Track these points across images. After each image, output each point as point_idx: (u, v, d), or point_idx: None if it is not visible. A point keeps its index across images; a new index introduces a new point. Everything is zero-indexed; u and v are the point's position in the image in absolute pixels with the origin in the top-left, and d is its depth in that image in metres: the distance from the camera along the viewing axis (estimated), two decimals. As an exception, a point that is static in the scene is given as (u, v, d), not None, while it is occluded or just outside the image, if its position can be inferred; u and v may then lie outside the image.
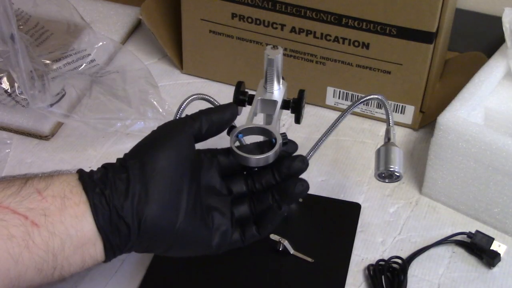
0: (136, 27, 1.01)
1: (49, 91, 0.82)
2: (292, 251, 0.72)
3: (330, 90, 0.88)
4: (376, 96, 0.71)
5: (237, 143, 0.65)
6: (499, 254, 0.72)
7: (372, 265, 0.71)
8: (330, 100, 0.89)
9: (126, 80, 0.87)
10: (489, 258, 0.72)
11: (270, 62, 0.66)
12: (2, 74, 0.85)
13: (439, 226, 0.76)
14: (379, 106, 0.87)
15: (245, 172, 0.66)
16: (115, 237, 0.57)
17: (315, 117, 0.89)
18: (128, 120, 0.83)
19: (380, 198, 0.79)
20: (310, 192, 0.64)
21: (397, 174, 0.67)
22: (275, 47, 0.66)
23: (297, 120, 0.68)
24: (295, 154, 0.65)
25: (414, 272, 0.71)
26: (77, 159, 0.82)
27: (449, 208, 0.78)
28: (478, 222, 0.76)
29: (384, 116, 0.87)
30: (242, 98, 0.68)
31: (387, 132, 0.69)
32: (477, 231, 0.73)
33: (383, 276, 0.70)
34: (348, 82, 0.87)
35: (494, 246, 0.72)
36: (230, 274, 0.71)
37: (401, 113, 0.86)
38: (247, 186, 0.65)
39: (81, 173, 0.59)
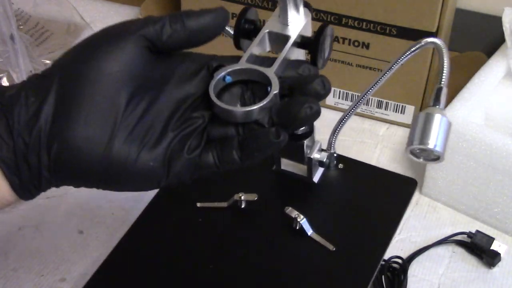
0: (136, 27, 1.01)
1: (49, 91, 0.82)
2: (310, 232, 0.60)
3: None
4: (433, 40, 0.57)
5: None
6: (499, 254, 0.72)
7: (372, 265, 0.71)
8: (330, 100, 0.89)
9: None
10: (489, 258, 0.72)
11: None
12: (2, 74, 0.85)
13: (439, 226, 0.76)
14: (379, 106, 0.87)
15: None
16: (25, 171, 0.46)
17: (315, 117, 0.89)
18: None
19: (380, 198, 0.79)
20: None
21: (436, 154, 0.51)
22: None
23: (315, 62, 0.52)
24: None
25: (414, 272, 0.71)
26: (77, 159, 0.82)
27: (449, 208, 0.78)
28: (478, 222, 0.76)
29: (384, 116, 0.87)
30: (247, 27, 0.52)
31: (437, 92, 0.55)
32: (477, 231, 0.73)
33: (383, 276, 0.70)
34: (348, 82, 0.87)
35: (494, 246, 0.72)
36: (234, 250, 0.61)
37: (401, 113, 0.86)
38: (241, 100, 0.49)
39: None
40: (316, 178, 0.68)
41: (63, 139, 0.45)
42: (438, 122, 0.51)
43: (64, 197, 0.78)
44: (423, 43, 0.57)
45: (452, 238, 0.74)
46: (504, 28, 0.79)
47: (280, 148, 0.47)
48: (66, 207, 0.77)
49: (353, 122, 0.88)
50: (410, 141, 0.51)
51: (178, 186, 0.48)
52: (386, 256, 0.72)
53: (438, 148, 0.50)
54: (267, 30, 0.52)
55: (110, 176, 0.47)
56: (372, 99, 0.86)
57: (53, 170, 0.46)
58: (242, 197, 0.65)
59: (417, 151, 0.52)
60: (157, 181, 0.48)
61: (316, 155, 0.66)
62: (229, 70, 0.49)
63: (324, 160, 0.66)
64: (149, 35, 0.48)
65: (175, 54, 0.51)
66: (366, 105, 0.87)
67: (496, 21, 0.82)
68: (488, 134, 0.71)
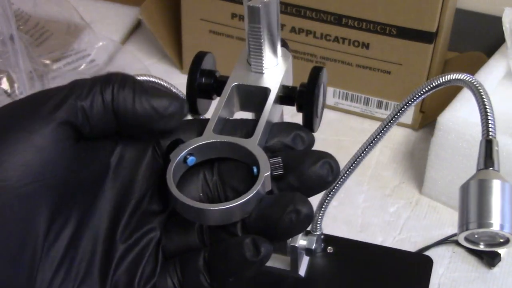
0: (136, 27, 1.01)
1: (49, 91, 0.82)
2: None
3: (330, 90, 0.88)
4: (463, 77, 0.43)
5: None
6: (499, 254, 0.71)
7: (372, 265, 0.71)
8: (330, 100, 0.89)
9: (126, 80, 0.87)
10: (489, 258, 0.72)
11: (255, 15, 0.37)
12: (1, 75, 0.85)
13: (439, 226, 0.76)
14: (379, 106, 0.87)
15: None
16: None
17: (315, 117, 0.89)
18: (128, 120, 0.83)
19: (380, 198, 0.79)
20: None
21: (507, 236, 0.37)
22: None
23: (309, 123, 0.37)
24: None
25: (414, 272, 0.71)
26: (77, 159, 0.82)
27: (449, 208, 0.78)
28: (478, 222, 0.76)
29: (384, 116, 0.87)
30: (204, 81, 0.38)
31: (485, 147, 0.39)
32: (477, 231, 0.73)
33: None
34: (348, 82, 0.87)
35: (494, 246, 0.72)
36: None
37: (401, 113, 0.86)
38: (203, 190, 0.35)
39: None
40: (302, 271, 0.53)
41: None
42: (498, 190, 0.38)
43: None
44: (449, 79, 0.42)
45: (452, 238, 0.73)
46: (504, 28, 0.79)
47: (263, 264, 0.33)
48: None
49: (353, 122, 0.88)
50: (462, 224, 0.38)
51: None
52: (386, 256, 0.72)
53: (506, 229, 0.36)
54: (235, 83, 0.38)
55: None
56: (372, 99, 0.86)
57: None
58: None
59: (475, 236, 0.39)
60: None
61: (301, 242, 0.50)
62: (192, 147, 0.34)
63: (313, 246, 0.52)
64: (72, 119, 0.34)
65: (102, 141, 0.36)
66: (366, 105, 0.87)
67: (496, 21, 0.82)
68: (488, 134, 0.71)
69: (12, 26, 0.73)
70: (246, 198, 0.32)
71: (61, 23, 0.93)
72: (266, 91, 0.36)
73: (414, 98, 0.46)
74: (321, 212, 0.52)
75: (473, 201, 0.37)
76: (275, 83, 0.37)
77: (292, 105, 0.37)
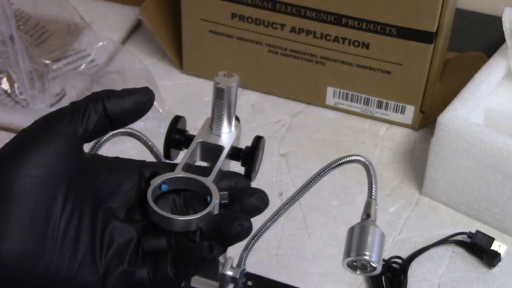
0: (136, 27, 1.01)
1: (49, 91, 0.82)
2: None
3: (330, 90, 0.88)
4: (359, 158, 0.55)
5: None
6: (499, 254, 0.72)
7: (372, 265, 0.71)
8: (330, 100, 0.89)
9: (126, 80, 0.87)
10: (489, 258, 0.72)
11: (220, 94, 0.49)
12: (1, 75, 0.85)
13: (439, 226, 0.76)
14: (379, 106, 0.87)
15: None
16: None
17: (315, 117, 0.89)
18: (128, 120, 0.83)
19: (380, 198, 0.79)
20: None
21: (373, 265, 0.49)
22: (229, 74, 0.49)
23: (248, 175, 0.50)
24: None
25: (414, 272, 0.71)
26: (77, 159, 0.82)
27: (449, 208, 0.78)
28: (479, 222, 0.76)
29: (384, 116, 0.87)
30: (177, 137, 0.51)
31: (368, 205, 0.53)
32: (478, 231, 0.73)
33: (383, 276, 0.70)
34: (348, 82, 0.87)
35: (495, 246, 0.72)
36: None
37: (401, 113, 0.86)
38: (172, 209, 0.48)
39: None
40: None
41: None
42: (376, 233, 0.50)
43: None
44: (350, 159, 0.55)
45: (452, 238, 0.74)
46: (504, 28, 0.79)
47: (214, 262, 0.48)
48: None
49: (353, 122, 0.88)
50: (346, 253, 0.50)
51: None
52: (386, 256, 0.72)
53: (374, 259, 0.49)
54: (200, 140, 0.50)
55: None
56: (372, 99, 0.86)
57: None
58: None
59: (354, 263, 0.51)
60: None
61: (229, 272, 0.63)
62: (166, 178, 0.47)
63: (237, 276, 0.63)
64: (77, 131, 0.46)
65: (101, 161, 0.49)
66: (366, 105, 0.87)
67: (496, 21, 0.82)
68: (488, 134, 0.71)
69: (12, 26, 0.73)
70: (202, 214, 0.46)
71: (61, 23, 0.93)
72: (220, 149, 0.50)
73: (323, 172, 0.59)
74: (247, 250, 0.63)
75: (355, 238, 0.50)
76: (228, 144, 0.51)
77: (238, 161, 0.51)
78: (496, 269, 0.72)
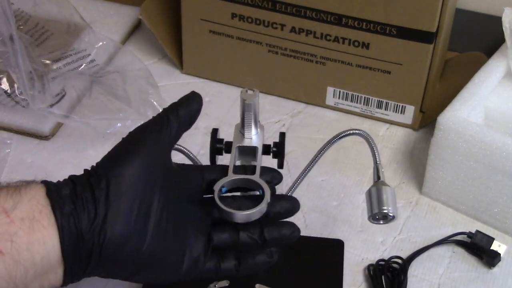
0: (136, 27, 1.01)
1: (49, 91, 0.82)
2: None
3: (330, 90, 0.88)
4: (358, 132, 0.65)
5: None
6: (499, 254, 0.72)
7: (372, 265, 0.71)
8: (330, 100, 0.89)
9: (126, 80, 0.87)
10: (489, 258, 0.72)
11: (248, 107, 0.60)
12: (1, 75, 0.85)
13: (439, 226, 0.76)
14: (379, 106, 0.87)
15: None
16: (76, 262, 0.52)
17: (315, 117, 0.89)
18: (128, 121, 0.83)
19: (380, 198, 0.79)
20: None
21: (391, 215, 0.61)
22: (251, 90, 0.61)
23: (281, 165, 0.63)
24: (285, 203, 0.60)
25: (414, 272, 0.71)
26: (77, 159, 0.82)
27: (449, 208, 0.78)
28: (478, 222, 0.76)
29: (384, 116, 0.87)
30: (219, 146, 0.62)
31: (376, 170, 0.64)
32: (477, 231, 0.73)
33: (383, 276, 0.70)
34: (348, 82, 0.87)
35: (494, 246, 0.72)
36: None
37: (401, 113, 0.86)
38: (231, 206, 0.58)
39: (48, 187, 0.53)
40: None
41: (111, 236, 0.52)
42: (388, 191, 0.62)
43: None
44: (350, 132, 0.66)
45: (452, 238, 0.74)
46: (504, 28, 0.79)
47: (272, 264, 0.58)
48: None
49: (353, 122, 0.88)
50: (370, 210, 0.61)
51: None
52: (386, 256, 0.72)
53: (392, 212, 0.61)
54: (238, 145, 0.62)
55: (146, 267, 0.55)
56: (372, 99, 0.86)
57: (100, 261, 0.53)
58: (216, 285, 0.68)
59: (377, 217, 0.61)
60: (178, 275, 0.56)
61: None
62: (225, 182, 0.58)
63: None
64: (167, 137, 0.57)
65: (179, 165, 0.60)
66: (366, 105, 0.87)
67: (496, 21, 0.82)
68: (488, 134, 0.71)
69: (12, 26, 0.73)
70: (261, 207, 0.57)
71: (61, 23, 0.93)
72: (255, 149, 0.62)
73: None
74: None
75: (374, 197, 0.62)
76: (259, 143, 0.62)
77: (269, 155, 0.63)
78: (496, 269, 0.72)
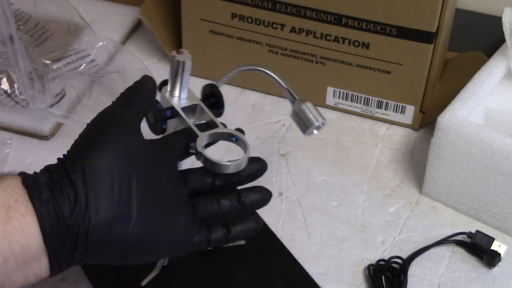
0: (136, 27, 1.01)
1: (48, 91, 0.82)
2: None
3: (330, 90, 0.88)
4: (257, 68, 0.66)
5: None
6: (499, 254, 0.71)
7: (372, 265, 0.71)
8: (330, 100, 0.89)
9: (126, 80, 0.87)
10: (489, 258, 0.72)
11: (187, 67, 0.62)
12: (1, 75, 0.85)
13: (439, 226, 0.76)
14: (379, 106, 0.87)
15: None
16: (61, 250, 0.52)
17: (315, 117, 0.89)
18: (128, 120, 0.83)
19: (380, 198, 0.79)
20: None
21: (321, 124, 0.64)
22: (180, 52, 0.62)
23: (219, 114, 0.64)
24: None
25: (414, 272, 0.71)
26: (77, 159, 0.82)
27: (449, 208, 0.78)
28: (478, 222, 0.76)
29: (384, 116, 0.87)
30: (166, 115, 0.63)
31: (289, 92, 0.65)
32: (477, 231, 0.73)
33: (383, 276, 0.70)
34: (348, 82, 0.87)
35: (494, 246, 0.72)
36: None
37: (401, 113, 0.86)
38: (207, 180, 0.59)
39: (24, 177, 0.53)
40: None
41: (96, 219, 0.52)
42: (309, 107, 0.64)
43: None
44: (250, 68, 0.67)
45: (452, 238, 0.73)
46: (504, 28, 0.79)
47: (259, 225, 0.61)
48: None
49: (353, 122, 0.88)
50: (304, 129, 0.64)
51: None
52: (386, 256, 0.72)
53: (321, 122, 0.64)
54: (182, 107, 0.63)
55: (135, 248, 0.54)
56: (372, 99, 0.86)
57: (87, 246, 0.52)
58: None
59: (311, 131, 0.64)
60: (169, 252, 0.59)
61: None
62: (206, 136, 0.60)
63: None
64: (134, 116, 0.58)
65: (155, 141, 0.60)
66: (366, 105, 0.87)
67: (496, 21, 0.82)
68: (488, 134, 0.71)
69: (12, 26, 0.73)
70: (247, 154, 0.59)
71: (61, 23, 0.93)
72: (196, 106, 0.64)
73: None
74: None
75: (302, 118, 0.64)
76: (197, 100, 0.64)
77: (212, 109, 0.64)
78: (496, 269, 0.72)
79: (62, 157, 0.55)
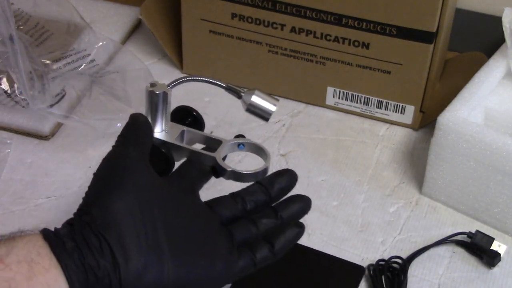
0: (136, 27, 1.01)
1: (48, 91, 0.82)
2: None
3: (330, 90, 0.88)
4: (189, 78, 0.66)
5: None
6: (499, 254, 0.71)
7: (372, 265, 0.71)
8: (330, 100, 0.89)
9: (126, 80, 0.87)
10: (489, 258, 0.72)
11: (168, 97, 0.60)
12: (1, 75, 0.85)
13: (439, 226, 0.76)
14: (379, 106, 0.87)
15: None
16: None
17: (315, 117, 0.89)
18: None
19: (380, 198, 0.79)
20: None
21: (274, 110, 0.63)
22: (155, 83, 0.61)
23: (202, 130, 0.64)
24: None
25: (414, 272, 0.71)
26: (77, 159, 0.82)
27: (449, 208, 0.78)
28: (478, 222, 0.76)
29: (384, 116, 0.87)
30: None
31: (232, 89, 0.66)
32: (477, 231, 0.73)
33: (383, 276, 0.70)
34: (348, 82, 0.87)
35: (494, 246, 0.72)
36: None
37: (401, 113, 0.86)
38: (238, 206, 0.57)
39: (45, 232, 0.50)
40: None
41: (126, 268, 0.49)
42: (261, 95, 0.63)
43: (64, 197, 0.78)
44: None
45: (452, 238, 0.73)
46: (504, 28, 0.79)
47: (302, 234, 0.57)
48: (66, 207, 0.77)
49: (353, 122, 0.88)
50: (267, 115, 0.62)
51: None
52: (386, 256, 0.72)
53: (274, 109, 0.63)
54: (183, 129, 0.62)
55: None
56: (372, 99, 0.86)
57: None
58: None
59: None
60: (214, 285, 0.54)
61: None
62: (226, 147, 0.60)
63: None
64: (143, 156, 0.56)
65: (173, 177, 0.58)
66: (366, 105, 0.87)
67: (496, 21, 0.82)
68: (488, 134, 0.71)
69: (12, 26, 0.73)
70: (267, 162, 0.59)
71: (61, 23, 0.93)
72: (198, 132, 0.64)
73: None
74: None
75: (259, 108, 0.63)
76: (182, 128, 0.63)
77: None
78: (495, 269, 0.72)
79: (76, 210, 0.52)
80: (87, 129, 0.83)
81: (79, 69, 0.89)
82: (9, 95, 0.85)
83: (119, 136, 0.55)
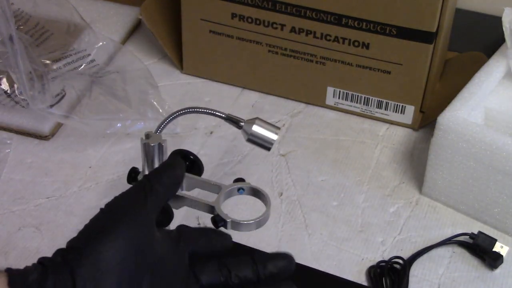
0: (136, 27, 1.01)
1: (48, 92, 0.82)
2: None
3: (330, 90, 0.88)
4: (190, 109, 0.65)
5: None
6: (501, 256, 0.71)
7: (373, 266, 0.71)
8: (330, 100, 0.89)
9: (126, 80, 0.87)
10: (491, 259, 0.71)
11: (164, 149, 0.59)
12: (1, 75, 0.85)
13: (439, 226, 0.76)
14: (379, 106, 0.87)
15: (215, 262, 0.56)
16: None
17: (315, 117, 0.89)
18: (128, 121, 0.83)
19: (380, 198, 0.79)
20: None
21: (276, 139, 0.64)
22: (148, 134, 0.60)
23: (200, 174, 0.62)
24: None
25: (415, 272, 0.71)
26: (77, 159, 0.82)
27: (449, 208, 0.78)
28: (479, 222, 0.76)
29: (384, 116, 0.87)
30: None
31: (232, 119, 0.64)
32: (480, 232, 0.73)
33: (383, 277, 0.70)
34: (348, 82, 0.87)
35: (497, 248, 0.71)
36: None
37: (401, 113, 0.86)
38: (221, 276, 0.54)
39: (11, 275, 0.45)
40: None
41: None
42: (262, 124, 0.63)
43: (64, 197, 0.78)
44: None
45: (454, 239, 0.73)
46: (504, 28, 0.79)
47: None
48: (66, 207, 0.77)
49: (353, 122, 0.88)
50: (269, 144, 0.64)
51: None
52: (386, 256, 0.72)
53: (276, 138, 0.64)
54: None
55: None
56: (372, 99, 0.86)
57: None
58: None
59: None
60: None
61: None
62: (224, 193, 0.59)
63: None
64: (152, 208, 0.52)
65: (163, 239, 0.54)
66: (366, 105, 0.87)
67: (496, 21, 0.82)
68: (488, 134, 0.71)
69: (12, 26, 0.73)
70: (268, 211, 0.58)
71: (61, 23, 0.93)
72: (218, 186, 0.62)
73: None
74: None
75: (260, 138, 0.63)
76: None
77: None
78: (497, 270, 0.72)
79: (66, 244, 0.49)
80: (87, 129, 0.83)
81: (79, 69, 0.89)
82: (9, 95, 0.85)
83: (145, 177, 0.53)
